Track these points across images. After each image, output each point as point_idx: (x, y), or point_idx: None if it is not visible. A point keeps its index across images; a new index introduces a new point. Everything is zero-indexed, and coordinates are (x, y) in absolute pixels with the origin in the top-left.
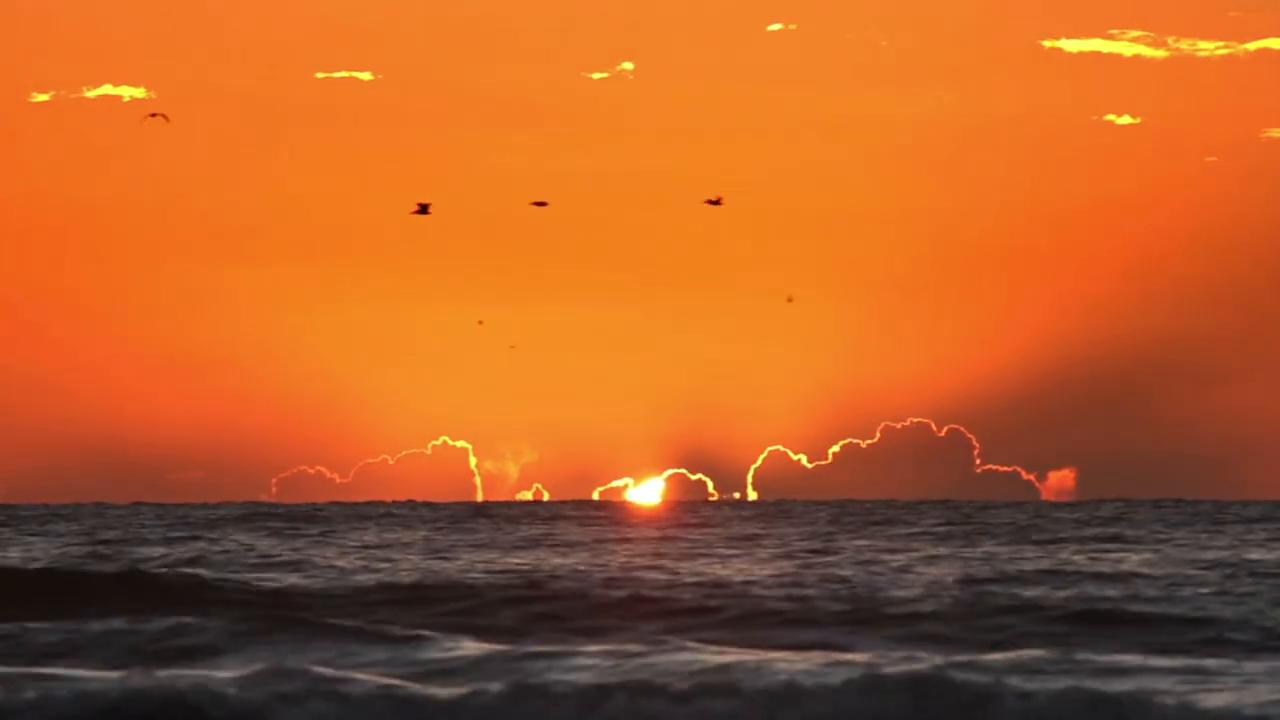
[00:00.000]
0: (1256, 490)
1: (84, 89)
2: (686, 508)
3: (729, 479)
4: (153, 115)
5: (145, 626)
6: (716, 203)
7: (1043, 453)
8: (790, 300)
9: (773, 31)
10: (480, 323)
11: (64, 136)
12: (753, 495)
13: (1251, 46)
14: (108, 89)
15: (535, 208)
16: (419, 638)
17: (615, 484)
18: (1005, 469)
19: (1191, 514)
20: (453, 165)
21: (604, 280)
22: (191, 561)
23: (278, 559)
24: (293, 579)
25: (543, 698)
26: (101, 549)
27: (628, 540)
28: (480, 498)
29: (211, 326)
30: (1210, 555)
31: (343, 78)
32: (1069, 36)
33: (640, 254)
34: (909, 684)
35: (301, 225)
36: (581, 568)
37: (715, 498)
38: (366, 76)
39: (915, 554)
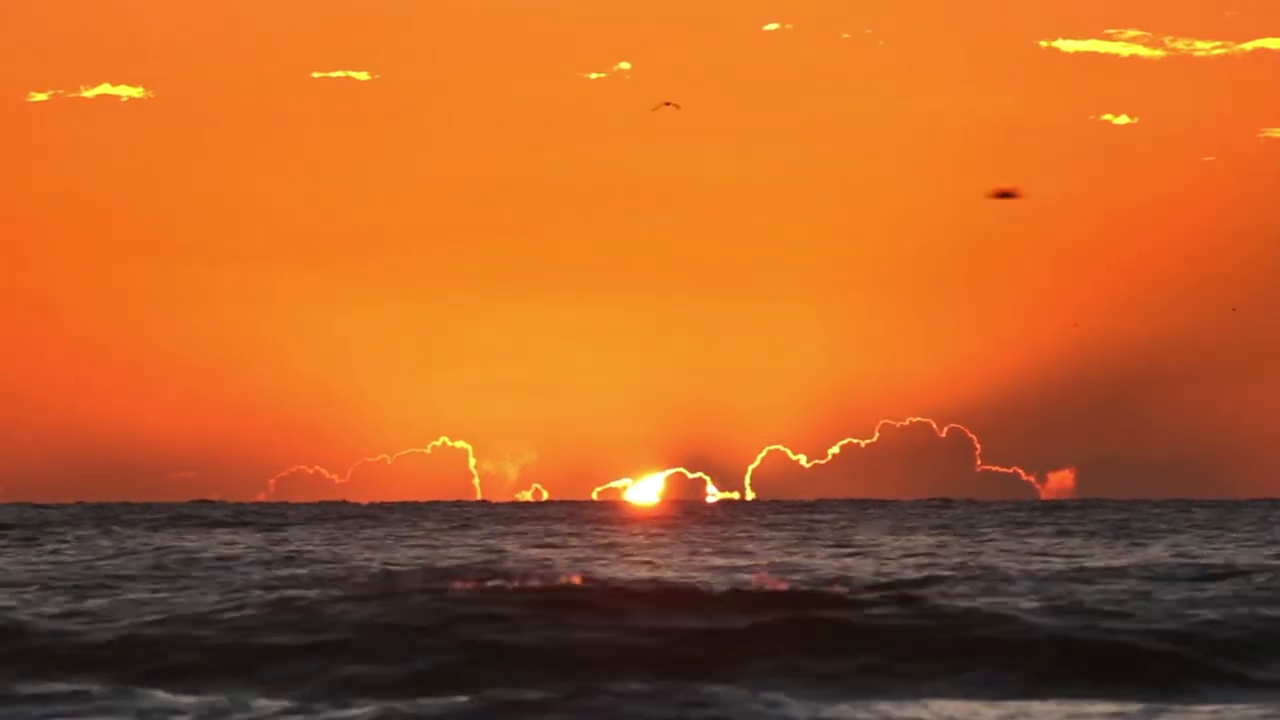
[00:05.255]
0: (1258, 490)
1: (82, 89)
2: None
3: (728, 479)
4: (666, 104)
5: None
6: (1009, 195)
7: (1043, 453)
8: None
9: (769, 31)
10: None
11: (62, 136)
12: (751, 495)
13: (1248, 46)
14: (105, 89)
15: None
16: None
17: (614, 484)
18: (1005, 469)
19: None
20: (450, 165)
21: (603, 280)
22: None
23: None
24: None
25: None
26: None
27: None
28: (479, 498)
29: (212, 325)
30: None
31: (339, 77)
32: (1066, 37)
33: (639, 254)
34: None
35: (300, 224)
36: None
37: (714, 497)
38: (363, 76)
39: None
